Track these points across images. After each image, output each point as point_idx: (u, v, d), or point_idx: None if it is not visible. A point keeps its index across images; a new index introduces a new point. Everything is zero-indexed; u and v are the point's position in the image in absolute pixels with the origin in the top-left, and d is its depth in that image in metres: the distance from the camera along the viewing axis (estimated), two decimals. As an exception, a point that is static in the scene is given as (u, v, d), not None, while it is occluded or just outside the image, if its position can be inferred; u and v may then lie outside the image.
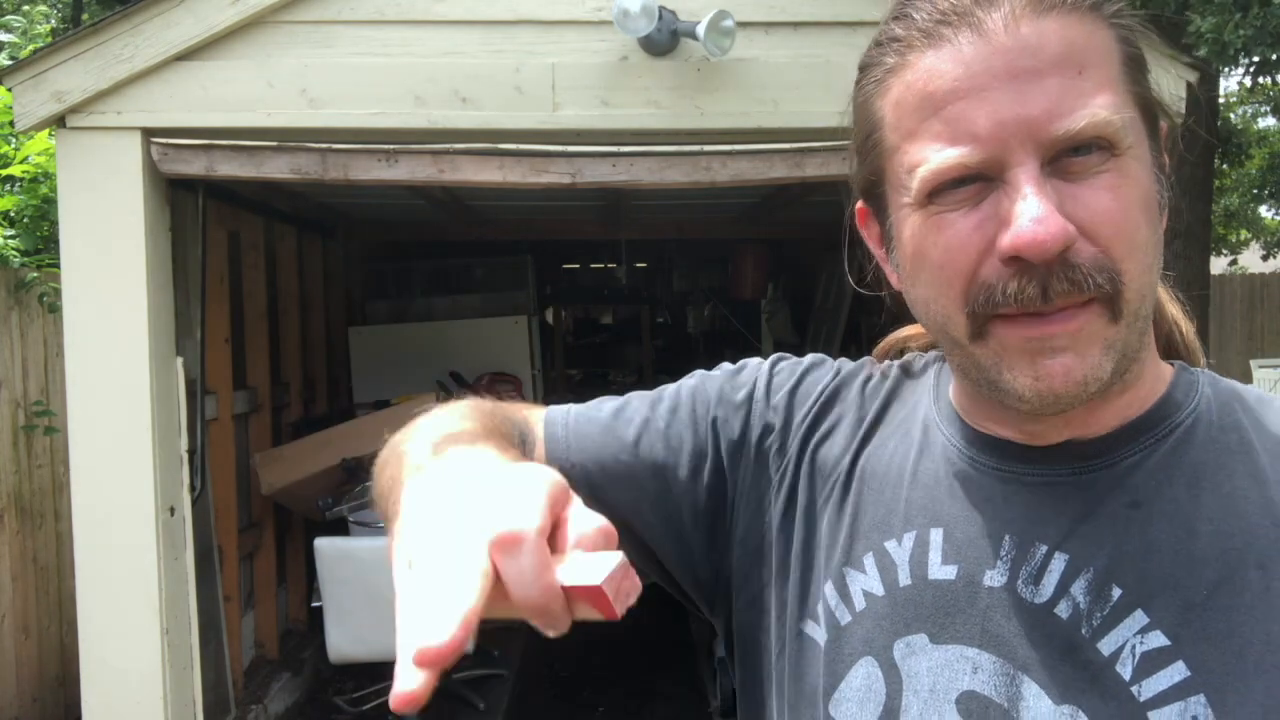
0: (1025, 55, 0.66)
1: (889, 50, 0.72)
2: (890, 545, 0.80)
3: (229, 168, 3.19)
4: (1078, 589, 0.72)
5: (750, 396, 0.91)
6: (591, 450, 0.90)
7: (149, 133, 3.15)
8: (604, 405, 0.95)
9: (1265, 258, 14.80)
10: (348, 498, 4.23)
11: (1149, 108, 0.72)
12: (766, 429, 0.89)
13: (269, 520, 4.84)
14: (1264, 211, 16.16)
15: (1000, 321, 0.69)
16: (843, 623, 0.80)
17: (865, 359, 0.94)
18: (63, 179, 3.15)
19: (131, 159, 3.14)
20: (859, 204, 0.81)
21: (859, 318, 5.56)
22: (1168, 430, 0.75)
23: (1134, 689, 0.69)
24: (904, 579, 0.78)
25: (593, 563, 0.52)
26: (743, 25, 3.12)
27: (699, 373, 0.96)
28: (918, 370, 0.90)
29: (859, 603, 0.79)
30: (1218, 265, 14.67)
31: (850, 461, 0.85)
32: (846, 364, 0.93)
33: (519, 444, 0.86)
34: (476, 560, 0.51)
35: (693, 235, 7.10)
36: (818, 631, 0.81)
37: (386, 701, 4.36)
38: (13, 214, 4.71)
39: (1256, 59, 6.97)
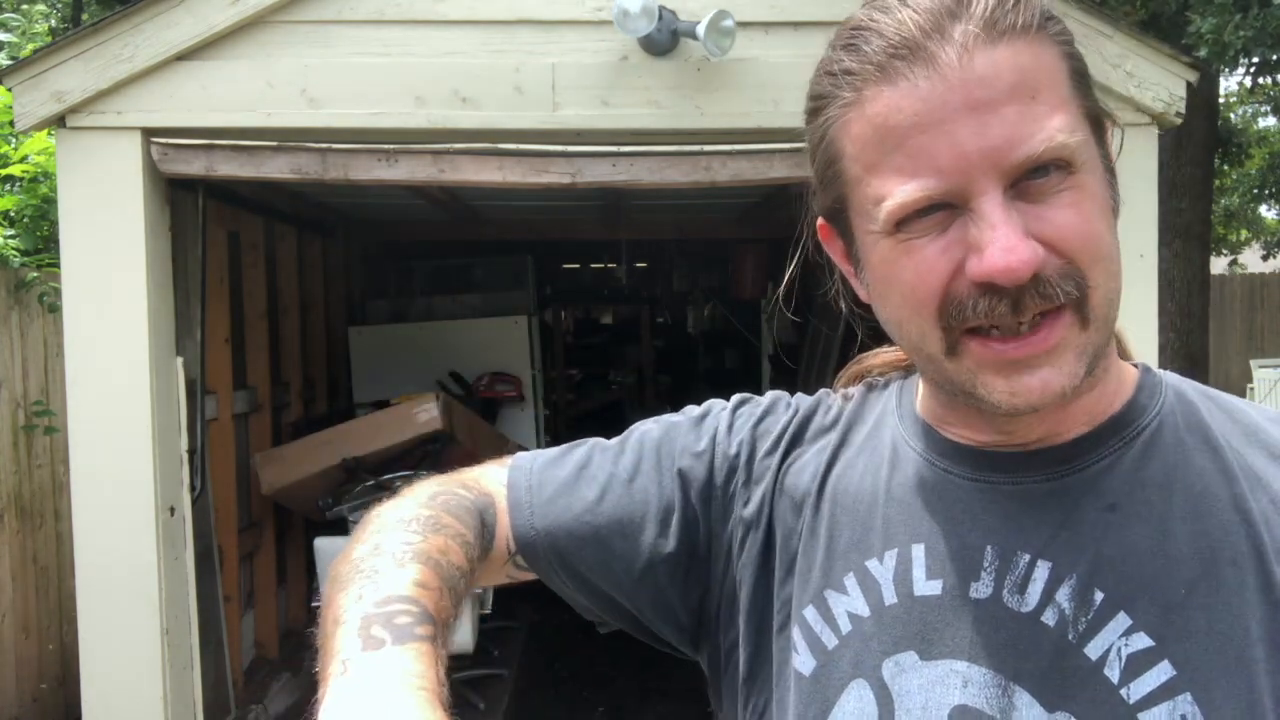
0: (981, 87, 0.68)
1: (843, 83, 0.73)
2: (872, 564, 0.80)
3: (229, 168, 3.19)
4: (1062, 595, 0.73)
5: (713, 441, 0.91)
6: (555, 514, 0.90)
7: (149, 133, 3.15)
8: (567, 459, 0.94)
9: (1265, 258, 14.79)
10: (348, 498, 4.23)
11: (1096, 116, 0.74)
12: (732, 470, 0.89)
13: (269, 520, 4.84)
14: (1264, 211, 16.16)
15: (973, 338, 0.71)
16: (830, 647, 0.79)
17: (822, 391, 0.95)
18: (63, 179, 3.15)
19: (131, 159, 3.14)
20: (820, 221, 0.82)
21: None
22: (1135, 433, 0.77)
23: (1123, 691, 0.70)
24: (890, 597, 0.78)
25: None
26: (743, 25, 3.12)
27: (663, 419, 0.96)
28: (878, 389, 0.91)
29: (844, 625, 0.79)
30: (1218, 265, 14.66)
31: (819, 486, 0.85)
32: (805, 398, 0.94)
33: (478, 534, 0.86)
34: None
35: (693, 235, 7.11)
36: (803, 661, 0.81)
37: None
38: (13, 214, 4.71)
39: (1256, 60, 6.97)
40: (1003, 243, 0.67)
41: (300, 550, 5.13)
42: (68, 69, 3.08)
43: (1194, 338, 8.33)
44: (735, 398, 0.96)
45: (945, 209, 0.70)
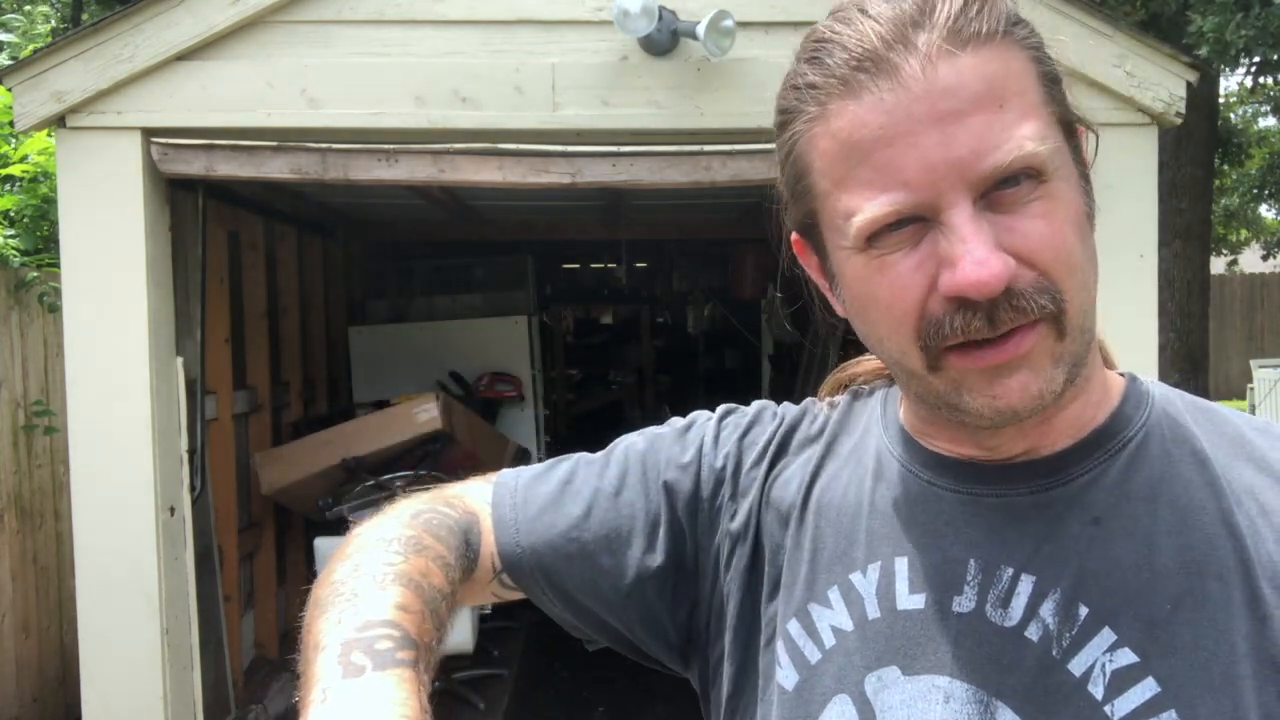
0: (946, 97, 0.66)
1: (808, 98, 0.72)
2: (855, 577, 0.79)
3: (229, 168, 3.19)
4: (1046, 610, 0.72)
5: (699, 453, 0.90)
6: (540, 530, 0.89)
7: (149, 133, 3.15)
8: (552, 474, 0.93)
9: (1265, 258, 14.80)
10: (348, 498, 4.22)
11: (1068, 122, 0.73)
12: (718, 483, 0.88)
13: (269, 520, 4.84)
14: (1264, 211, 16.16)
15: (953, 353, 0.70)
16: (813, 661, 0.79)
17: (808, 400, 0.94)
18: (63, 179, 3.15)
19: (131, 159, 3.14)
20: (794, 236, 0.81)
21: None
22: (1120, 445, 0.76)
23: (1107, 709, 0.69)
24: (873, 611, 0.77)
25: None
26: (743, 25, 3.13)
27: (649, 432, 0.95)
28: (863, 399, 0.90)
29: (828, 639, 0.79)
30: (1218, 265, 14.66)
31: (803, 497, 0.84)
32: (791, 408, 0.93)
33: (461, 553, 0.85)
34: None
35: (693, 235, 7.10)
36: (786, 675, 0.80)
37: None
38: (13, 214, 4.70)
39: (1258, 59, 6.97)
40: (973, 256, 0.66)
41: (300, 550, 5.13)
42: (68, 69, 3.08)
43: (1194, 338, 8.33)
44: (721, 409, 0.95)
45: (916, 222, 0.68)
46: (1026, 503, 0.75)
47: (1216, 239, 13.96)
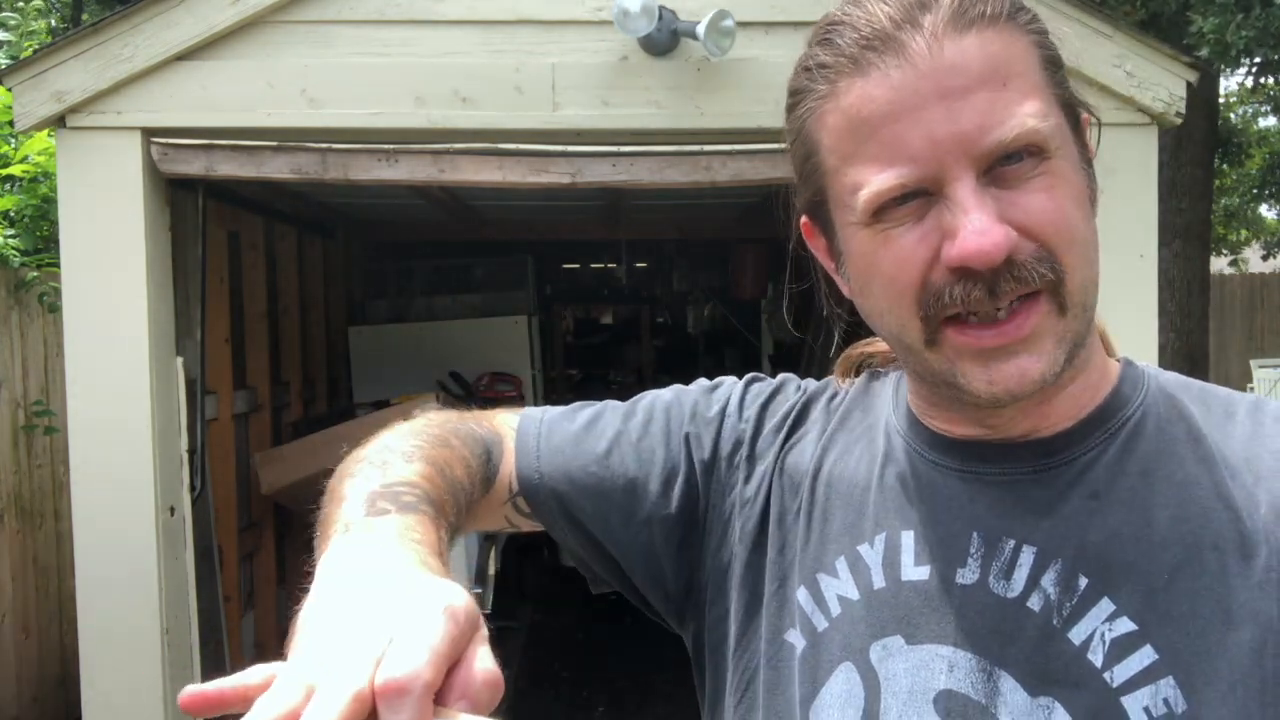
0: (951, 74, 0.69)
1: (818, 77, 0.75)
2: (863, 548, 0.81)
3: (229, 168, 3.19)
4: (1047, 581, 0.74)
5: (723, 412, 0.92)
6: (561, 462, 0.91)
7: (149, 132, 3.15)
8: (578, 415, 0.95)
9: (1265, 258, 14.79)
10: (348, 498, 4.22)
11: (1070, 105, 0.75)
12: (737, 443, 0.90)
13: (269, 520, 4.84)
14: (1264, 211, 16.16)
15: (952, 326, 0.72)
16: (820, 629, 0.80)
17: (829, 378, 0.96)
18: (63, 179, 3.15)
19: (131, 159, 3.14)
20: (804, 219, 0.83)
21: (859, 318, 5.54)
22: (1119, 424, 0.78)
23: (1106, 675, 0.70)
24: (878, 581, 0.79)
25: None
26: (743, 25, 3.13)
27: (675, 387, 0.97)
28: (879, 380, 0.92)
29: (834, 608, 0.80)
30: (1218, 265, 14.66)
31: (815, 468, 0.86)
32: (813, 383, 0.95)
33: (483, 461, 0.87)
34: (356, 683, 0.49)
35: (693, 235, 7.10)
36: (797, 639, 0.81)
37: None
38: (13, 214, 4.70)
39: (1258, 60, 6.97)
40: (974, 226, 0.68)
41: (300, 550, 5.12)
42: (68, 69, 3.08)
43: (1194, 338, 8.33)
44: (748, 376, 0.97)
45: (921, 197, 0.71)
46: (1028, 480, 0.77)
47: (1216, 239, 13.96)
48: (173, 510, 3.28)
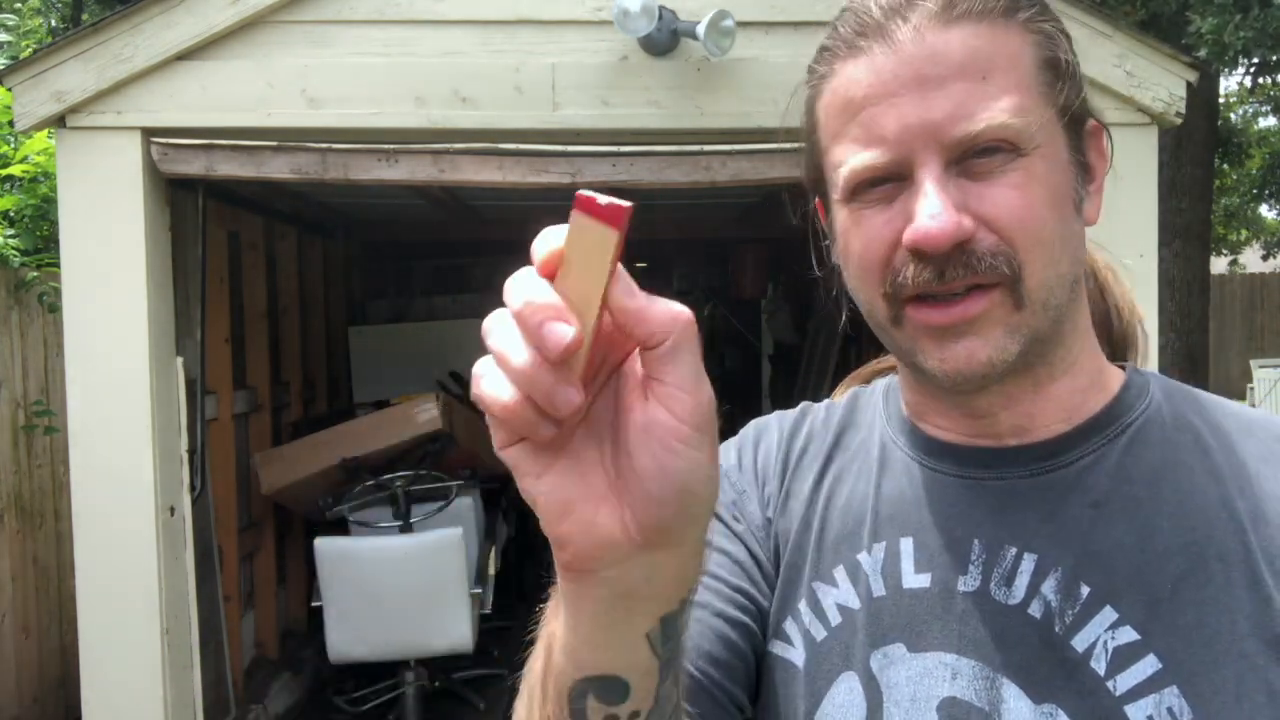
0: (931, 63, 0.71)
1: (822, 59, 0.78)
2: (861, 557, 0.80)
3: (229, 168, 3.19)
4: (1048, 588, 0.73)
5: (730, 486, 0.88)
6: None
7: (149, 132, 3.15)
8: None
9: (1265, 258, 14.80)
10: (348, 498, 4.22)
11: (1074, 111, 0.75)
12: (754, 501, 0.87)
13: (269, 520, 4.84)
14: (1264, 211, 16.17)
15: (911, 306, 0.73)
16: (819, 639, 0.80)
17: (804, 403, 0.95)
18: (63, 179, 3.15)
19: (131, 159, 3.14)
20: (816, 200, 0.85)
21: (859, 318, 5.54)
22: (1119, 430, 0.78)
23: (1109, 684, 0.70)
24: (878, 589, 0.78)
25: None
26: (743, 25, 3.12)
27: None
28: (865, 394, 0.92)
29: (834, 617, 0.80)
30: (1218, 265, 14.66)
31: (813, 486, 0.86)
32: (790, 412, 0.94)
33: None
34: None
35: (693, 235, 7.10)
36: (793, 652, 0.80)
37: (386, 701, 4.36)
38: (13, 214, 4.70)
39: (1257, 60, 6.97)
40: (927, 210, 0.69)
41: (300, 550, 5.12)
42: (68, 69, 3.08)
43: (1194, 338, 8.33)
44: (721, 448, 0.92)
45: (895, 181, 0.73)
46: (1026, 485, 0.77)
47: (1216, 239, 13.96)
48: (173, 510, 3.28)
